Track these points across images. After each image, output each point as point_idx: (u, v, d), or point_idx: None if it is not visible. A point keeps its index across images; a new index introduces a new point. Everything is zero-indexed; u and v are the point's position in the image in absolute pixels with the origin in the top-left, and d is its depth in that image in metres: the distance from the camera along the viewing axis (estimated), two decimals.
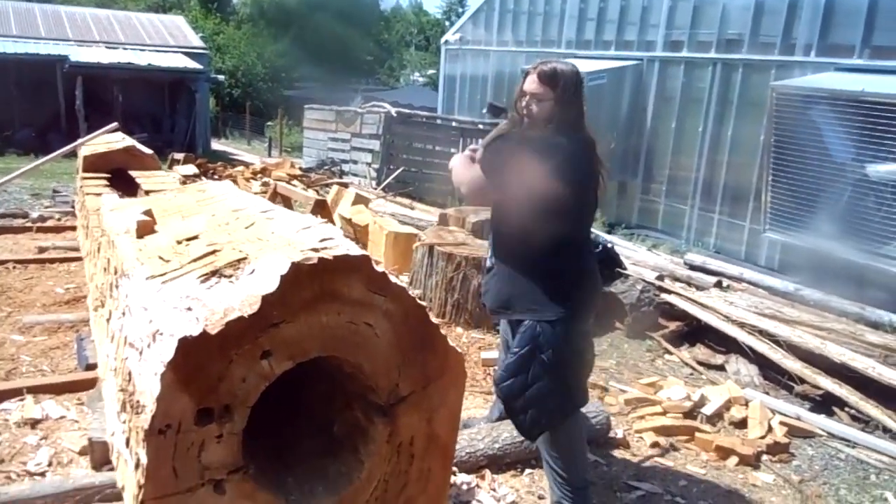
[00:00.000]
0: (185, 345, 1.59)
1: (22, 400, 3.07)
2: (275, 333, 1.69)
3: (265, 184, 8.03)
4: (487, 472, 2.83)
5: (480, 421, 3.11)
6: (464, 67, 12.82)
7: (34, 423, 2.92)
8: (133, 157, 5.47)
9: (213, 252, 1.97)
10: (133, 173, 4.95)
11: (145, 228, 2.46)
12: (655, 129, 9.13)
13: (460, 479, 2.72)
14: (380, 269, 1.85)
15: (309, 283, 1.72)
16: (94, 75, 15.74)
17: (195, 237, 2.24)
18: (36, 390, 3.13)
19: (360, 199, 7.43)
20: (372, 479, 1.95)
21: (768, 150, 6.62)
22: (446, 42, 12.99)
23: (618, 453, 3.18)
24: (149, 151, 5.49)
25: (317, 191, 8.91)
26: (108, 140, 6.10)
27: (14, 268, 5.11)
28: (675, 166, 8.92)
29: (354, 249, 1.84)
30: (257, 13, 31.47)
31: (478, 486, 2.74)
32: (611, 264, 5.05)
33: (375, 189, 9.86)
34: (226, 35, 29.52)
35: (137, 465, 1.67)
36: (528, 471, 2.89)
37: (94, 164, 5.34)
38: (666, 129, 8.96)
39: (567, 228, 2.41)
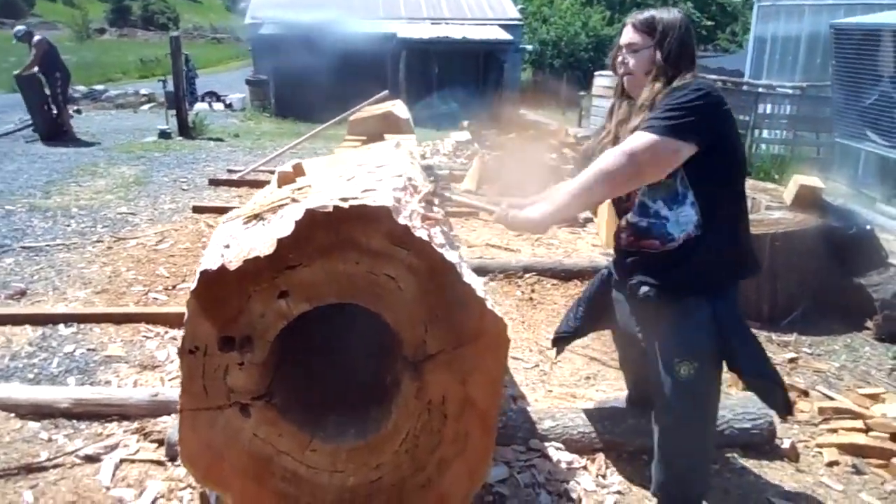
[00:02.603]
0: (206, 277, 1.77)
1: None
2: (291, 275, 1.80)
3: None
4: (600, 457, 2.62)
5: (615, 402, 2.88)
6: (776, 27, 11.46)
7: None
8: (390, 123, 5.99)
9: (279, 199, 2.13)
10: (387, 136, 5.44)
11: (285, 179, 2.72)
12: None
13: (561, 456, 2.56)
14: (403, 222, 1.84)
15: (324, 229, 1.78)
16: (416, 50, 17.32)
17: (307, 187, 2.43)
18: None
19: None
20: (399, 430, 1.98)
21: None
22: None
23: (778, 465, 2.69)
24: (405, 117, 5.94)
25: None
26: (374, 108, 6.75)
27: None
28: None
29: (380, 201, 1.85)
30: None
31: (585, 468, 2.56)
32: (864, 250, 4.20)
33: None
34: (553, 6, 29.89)
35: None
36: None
37: (357, 128, 5.98)
38: None
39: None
